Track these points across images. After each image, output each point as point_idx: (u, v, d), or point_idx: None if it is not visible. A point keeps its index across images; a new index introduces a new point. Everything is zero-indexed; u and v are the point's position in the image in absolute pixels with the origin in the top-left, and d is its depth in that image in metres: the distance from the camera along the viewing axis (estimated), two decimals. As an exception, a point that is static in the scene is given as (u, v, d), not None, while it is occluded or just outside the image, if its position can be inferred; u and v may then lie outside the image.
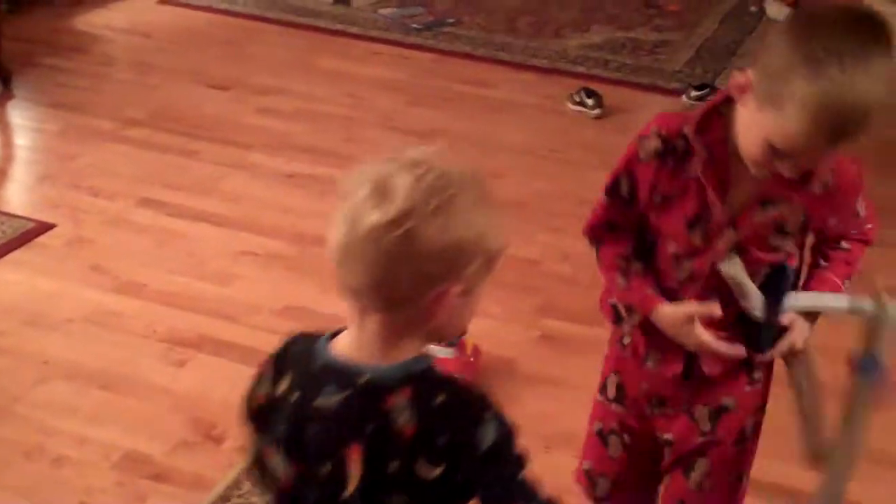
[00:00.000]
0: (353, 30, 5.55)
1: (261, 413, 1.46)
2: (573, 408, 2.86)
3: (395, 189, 1.30)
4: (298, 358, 1.43)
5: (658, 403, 2.04)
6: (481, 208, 1.36)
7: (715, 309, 1.84)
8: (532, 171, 4.14)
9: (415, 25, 5.58)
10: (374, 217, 1.29)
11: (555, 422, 2.81)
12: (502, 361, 3.03)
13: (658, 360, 2.00)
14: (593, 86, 4.78)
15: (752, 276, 1.83)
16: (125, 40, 5.32)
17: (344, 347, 1.40)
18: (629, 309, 2.00)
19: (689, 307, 1.88)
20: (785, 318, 1.85)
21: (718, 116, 1.78)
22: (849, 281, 1.91)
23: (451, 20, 5.68)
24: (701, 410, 2.01)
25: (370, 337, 1.37)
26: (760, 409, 2.04)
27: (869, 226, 1.91)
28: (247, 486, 2.52)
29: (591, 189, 3.93)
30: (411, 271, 1.31)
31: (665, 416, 2.05)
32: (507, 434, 1.39)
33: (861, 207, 1.88)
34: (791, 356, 1.92)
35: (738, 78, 1.69)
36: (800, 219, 1.82)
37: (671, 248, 1.90)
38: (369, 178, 1.33)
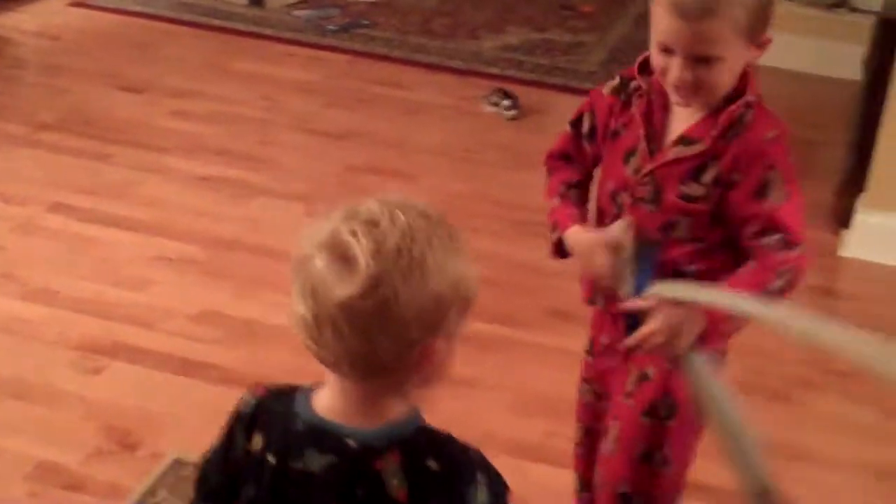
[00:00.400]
0: (268, 31, 5.52)
1: (230, 476, 1.39)
2: (489, 408, 2.90)
3: (357, 257, 1.21)
4: (274, 417, 1.36)
5: (611, 357, 2.08)
6: (451, 256, 1.28)
7: (623, 239, 1.87)
8: (448, 173, 4.16)
9: (330, 27, 5.56)
10: (341, 290, 1.21)
11: (470, 422, 2.82)
12: (419, 363, 3.04)
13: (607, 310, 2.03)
14: (509, 87, 4.81)
15: (666, 228, 1.88)
16: (35, 43, 5.24)
17: (326, 408, 1.33)
18: (553, 229, 2.03)
19: (598, 234, 1.92)
20: (647, 301, 1.83)
21: None
22: (772, 285, 1.82)
23: (366, 22, 5.68)
24: (632, 372, 2.03)
25: (353, 400, 1.31)
26: (679, 390, 1.96)
27: (779, 236, 1.82)
28: (162, 493, 2.50)
29: (508, 189, 4.02)
30: (391, 338, 1.24)
31: (612, 373, 2.08)
32: (500, 495, 1.36)
33: (774, 191, 1.82)
34: (665, 354, 1.87)
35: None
36: (713, 171, 1.84)
37: (610, 185, 1.97)
38: (324, 244, 1.24)
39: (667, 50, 1.79)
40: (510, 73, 5.18)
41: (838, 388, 3.08)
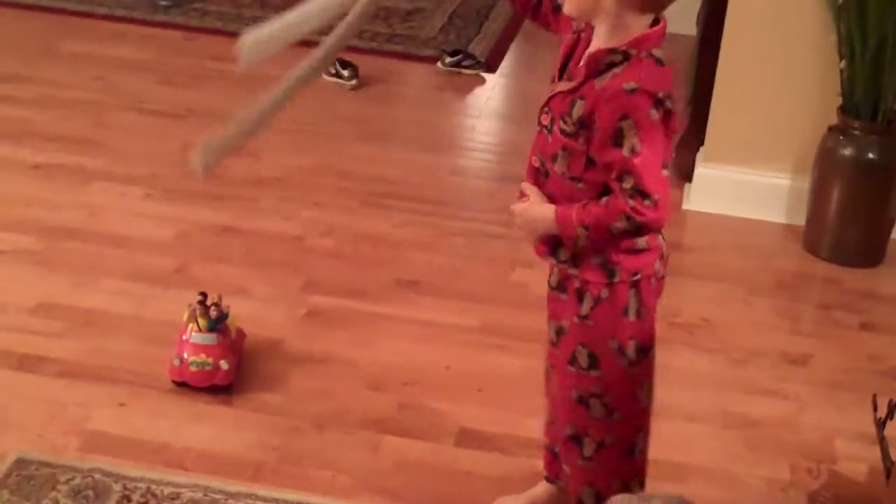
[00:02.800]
0: (100, 11, 5.35)
1: None
2: (342, 384, 2.86)
3: None
4: None
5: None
6: None
7: (527, 188, 2.07)
8: (290, 147, 4.08)
9: (162, 3, 5.41)
10: None
11: (325, 399, 2.79)
12: (268, 343, 2.98)
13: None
14: (348, 57, 4.75)
15: (554, 159, 2.01)
16: None
17: None
18: None
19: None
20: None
21: None
22: (583, 229, 1.94)
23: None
24: (552, 324, 2.15)
25: None
26: (594, 344, 2.07)
27: (632, 184, 1.88)
28: (4, 495, 2.40)
29: (351, 161, 3.98)
30: None
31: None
32: None
33: (627, 140, 1.88)
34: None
35: None
36: (580, 110, 1.93)
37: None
38: None
39: None
40: (350, 42, 5.10)
41: (685, 340, 3.12)
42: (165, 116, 4.29)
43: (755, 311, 3.29)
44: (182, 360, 2.75)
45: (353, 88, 4.60)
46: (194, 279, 3.21)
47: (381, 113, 4.55)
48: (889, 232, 3.58)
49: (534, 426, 2.48)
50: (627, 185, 1.89)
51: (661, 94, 1.89)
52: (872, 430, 2.55)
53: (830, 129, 3.52)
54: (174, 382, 2.78)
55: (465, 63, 4.92)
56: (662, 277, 2.10)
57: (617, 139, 1.89)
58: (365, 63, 4.74)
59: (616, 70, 1.91)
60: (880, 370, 3.03)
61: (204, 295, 2.84)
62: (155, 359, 2.86)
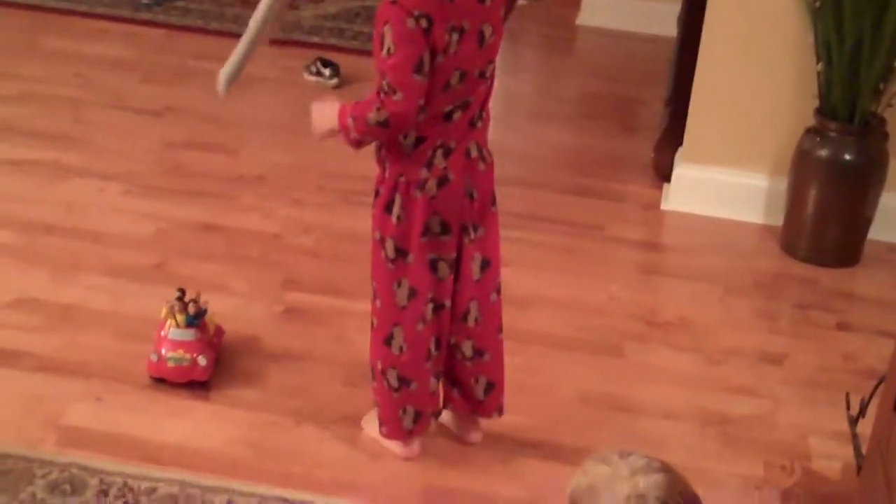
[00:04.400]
0: (81, 8, 5.32)
1: None
2: (320, 380, 2.87)
3: None
4: None
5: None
6: None
7: None
8: (270, 145, 4.09)
9: (144, 1, 5.40)
10: None
11: (303, 395, 2.79)
12: (246, 339, 2.99)
13: None
14: (330, 56, 4.76)
15: None
16: None
17: None
18: None
19: None
20: None
21: None
22: (351, 119, 2.32)
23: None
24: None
25: None
26: (372, 230, 2.49)
27: (386, 81, 2.25)
28: (-20, 490, 2.40)
29: (331, 159, 3.97)
30: None
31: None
32: None
33: (385, 45, 2.24)
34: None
35: None
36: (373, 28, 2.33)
37: None
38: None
39: None
40: (332, 41, 5.11)
41: (663, 339, 3.14)
42: (145, 113, 4.28)
43: (732, 311, 3.31)
44: (160, 355, 2.75)
45: (335, 87, 4.60)
46: (173, 275, 3.21)
47: (362, 112, 4.54)
48: (865, 232, 3.60)
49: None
50: (384, 82, 2.25)
51: (416, 12, 2.20)
52: (846, 428, 2.57)
53: (807, 130, 3.53)
54: (152, 378, 2.78)
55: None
56: (434, 197, 2.39)
57: (381, 44, 2.25)
58: (346, 62, 4.74)
59: None
60: (855, 369, 3.05)
61: (182, 291, 2.84)
62: (133, 354, 2.86)
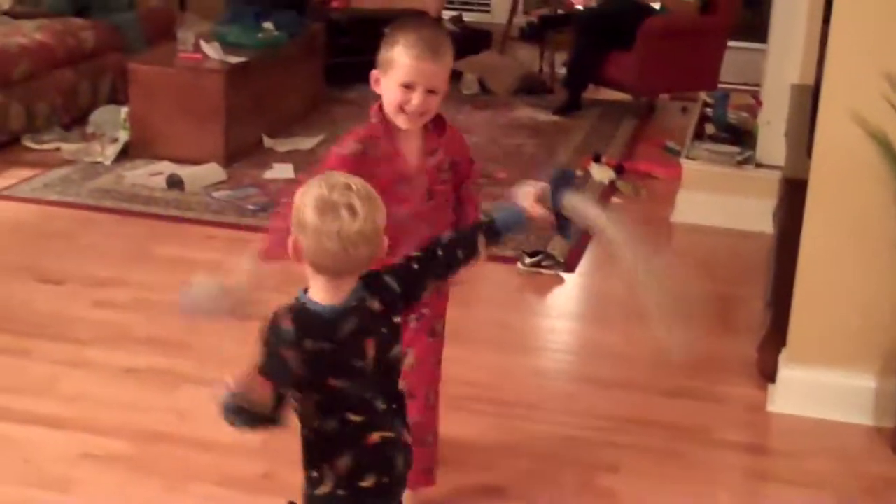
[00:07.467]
0: (189, 215, 5.54)
1: None
2: None
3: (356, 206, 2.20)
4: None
5: None
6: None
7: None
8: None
9: (250, 206, 5.60)
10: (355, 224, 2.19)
11: None
12: None
13: None
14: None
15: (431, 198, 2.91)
16: (-49, 238, 5.20)
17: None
18: None
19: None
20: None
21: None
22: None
23: (285, 199, 5.70)
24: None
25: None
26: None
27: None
28: None
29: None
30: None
31: None
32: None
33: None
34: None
35: (372, 77, 2.80)
36: (447, 159, 2.92)
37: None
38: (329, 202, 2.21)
39: (407, 85, 2.72)
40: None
41: None
42: (257, 319, 4.37)
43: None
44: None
45: (436, 290, 4.68)
46: (282, 485, 3.24)
47: (463, 314, 4.59)
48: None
49: None
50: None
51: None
52: None
53: (915, 330, 3.50)
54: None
55: (544, 263, 5.00)
56: None
57: (469, 161, 3.07)
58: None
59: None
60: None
61: (292, 503, 2.85)
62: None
